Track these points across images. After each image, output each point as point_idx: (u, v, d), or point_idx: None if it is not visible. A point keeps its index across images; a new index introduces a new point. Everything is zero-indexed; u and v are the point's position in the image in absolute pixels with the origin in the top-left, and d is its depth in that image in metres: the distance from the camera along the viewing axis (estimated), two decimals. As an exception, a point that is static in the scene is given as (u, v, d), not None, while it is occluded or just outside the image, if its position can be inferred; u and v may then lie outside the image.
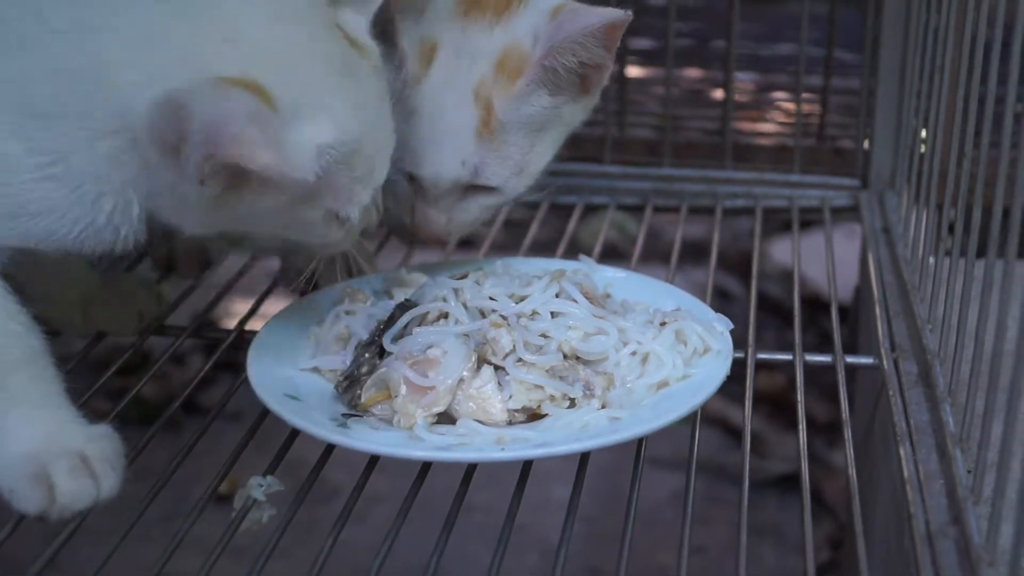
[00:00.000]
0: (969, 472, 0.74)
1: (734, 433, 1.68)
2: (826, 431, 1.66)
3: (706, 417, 1.66)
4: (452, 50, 0.90)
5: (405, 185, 0.94)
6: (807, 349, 0.94)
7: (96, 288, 0.95)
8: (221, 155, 0.64)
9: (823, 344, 0.96)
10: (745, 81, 1.90)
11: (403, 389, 0.77)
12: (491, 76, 0.90)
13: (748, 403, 0.86)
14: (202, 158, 0.65)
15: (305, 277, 0.86)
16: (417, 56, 0.90)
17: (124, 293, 0.97)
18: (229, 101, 0.65)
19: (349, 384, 0.80)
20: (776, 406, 1.74)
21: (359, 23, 0.77)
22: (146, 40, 0.70)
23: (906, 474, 0.77)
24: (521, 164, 0.93)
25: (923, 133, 1.04)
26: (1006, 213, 0.67)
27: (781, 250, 2.17)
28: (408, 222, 0.95)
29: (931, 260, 0.95)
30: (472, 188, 0.93)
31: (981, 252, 0.76)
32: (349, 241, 0.81)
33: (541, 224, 1.25)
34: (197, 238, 0.81)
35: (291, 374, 0.84)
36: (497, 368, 0.79)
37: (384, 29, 0.88)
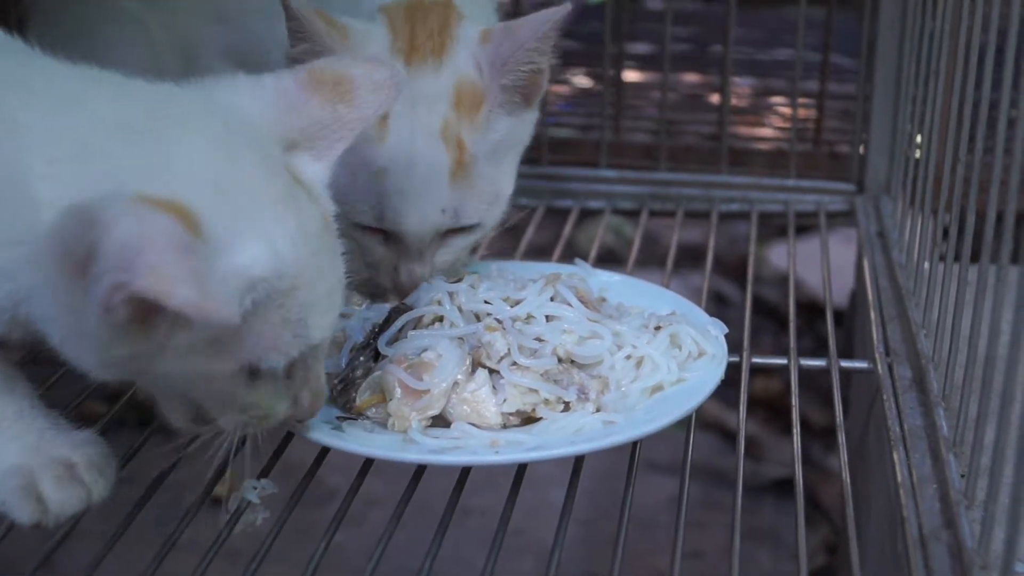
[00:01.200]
0: (963, 476, 0.74)
1: (731, 437, 1.68)
2: (823, 436, 1.66)
3: (703, 422, 1.68)
4: (407, 100, 0.87)
5: (380, 249, 0.92)
6: (804, 354, 0.94)
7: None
8: (134, 285, 0.55)
9: (820, 349, 0.97)
10: (743, 86, 1.91)
11: (397, 392, 0.77)
12: (453, 115, 0.88)
13: (743, 407, 0.86)
14: (112, 286, 0.56)
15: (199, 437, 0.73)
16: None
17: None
18: (148, 223, 0.56)
19: (344, 387, 0.80)
20: (773, 410, 1.74)
21: (316, 171, 0.71)
22: (70, 149, 0.63)
23: (899, 478, 0.77)
24: (494, 194, 0.92)
25: (918, 138, 1.05)
26: (1000, 218, 0.68)
27: (778, 255, 2.17)
28: (389, 283, 0.93)
29: (926, 265, 0.95)
30: (451, 231, 0.92)
31: (976, 257, 0.76)
32: (258, 422, 0.71)
33: (537, 228, 1.25)
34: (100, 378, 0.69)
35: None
36: (492, 371, 0.79)
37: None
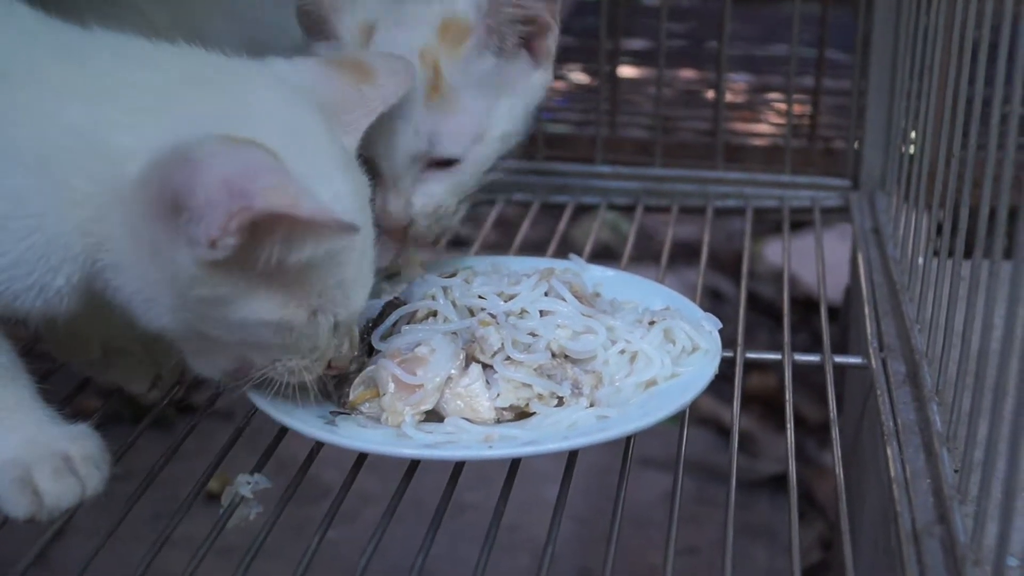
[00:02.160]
0: (956, 471, 0.74)
1: (726, 433, 1.68)
2: (818, 431, 1.66)
3: (698, 417, 1.68)
4: (391, 24, 0.88)
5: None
6: (800, 349, 0.94)
7: (123, 338, 0.89)
8: (256, 207, 0.59)
9: (816, 344, 0.96)
10: (739, 82, 1.91)
11: (391, 387, 0.77)
12: (435, 42, 0.88)
13: (736, 402, 0.86)
14: (226, 215, 0.59)
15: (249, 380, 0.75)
16: (356, 38, 0.88)
17: (148, 350, 0.91)
18: (246, 155, 0.60)
19: (338, 382, 0.80)
20: (768, 406, 1.74)
21: (349, 143, 0.76)
22: (147, 105, 0.66)
23: (893, 473, 0.77)
24: (479, 130, 0.90)
25: (912, 134, 1.05)
26: (993, 214, 0.68)
27: (774, 251, 2.17)
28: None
29: (920, 260, 0.95)
30: (432, 165, 0.90)
31: (969, 252, 0.76)
32: (317, 363, 0.74)
33: (533, 223, 1.25)
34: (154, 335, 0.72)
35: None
36: (485, 366, 0.79)
37: (319, 28, 0.88)
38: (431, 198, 0.91)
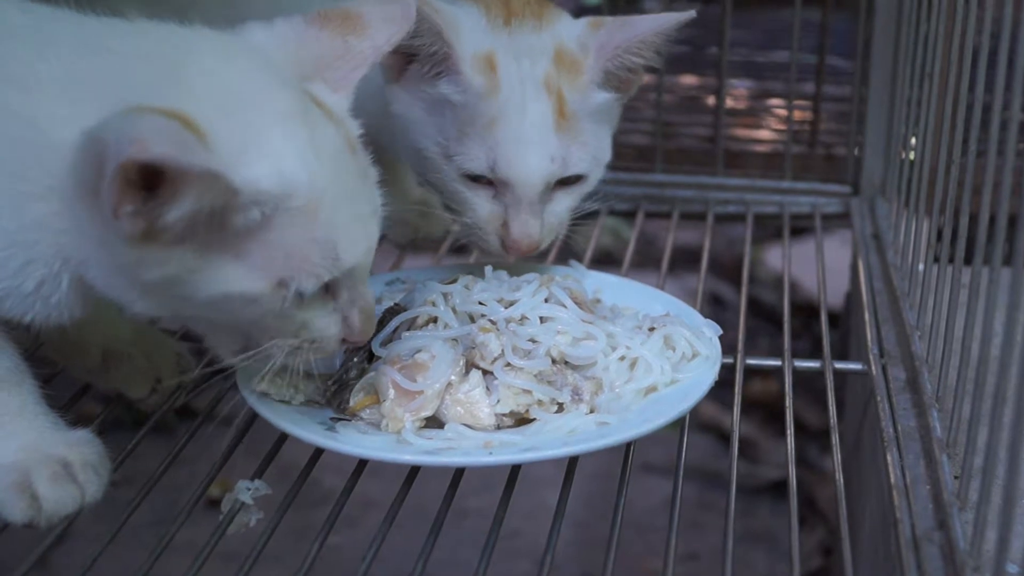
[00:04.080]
0: (956, 478, 0.74)
1: (727, 439, 1.67)
2: (820, 437, 1.66)
3: (700, 423, 1.68)
4: (511, 55, 0.92)
5: (489, 204, 0.94)
6: (802, 355, 0.94)
7: (123, 343, 0.89)
8: (120, 160, 0.57)
9: (817, 350, 0.97)
10: (741, 88, 1.91)
11: (391, 393, 0.77)
12: (554, 70, 0.92)
13: (736, 408, 0.86)
14: (110, 178, 0.58)
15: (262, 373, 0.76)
16: (480, 69, 0.91)
17: (148, 355, 0.90)
18: (147, 120, 0.58)
19: (338, 388, 0.80)
20: (771, 412, 1.74)
21: (335, 100, 0.72)
22: (82, 92, 0.65)
23: (893, 480, 0.77)
24: (596, 153, 0.95)
25: (912, 140, 1.05)
26: (992, 220, 0.68)
27: (776, 257, 2.17)
28: (496, 241, 0.95)
29: (920, 267, 0.95)
30: (558, 184, 0.94)
31: (969, 259, 0.76)
32: (309, 345, 0.72)
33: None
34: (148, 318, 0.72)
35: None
36: (485, 373, 0.79)
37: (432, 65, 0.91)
38: (557, 216, 0.96)
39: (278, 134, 0.65)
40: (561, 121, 0.92)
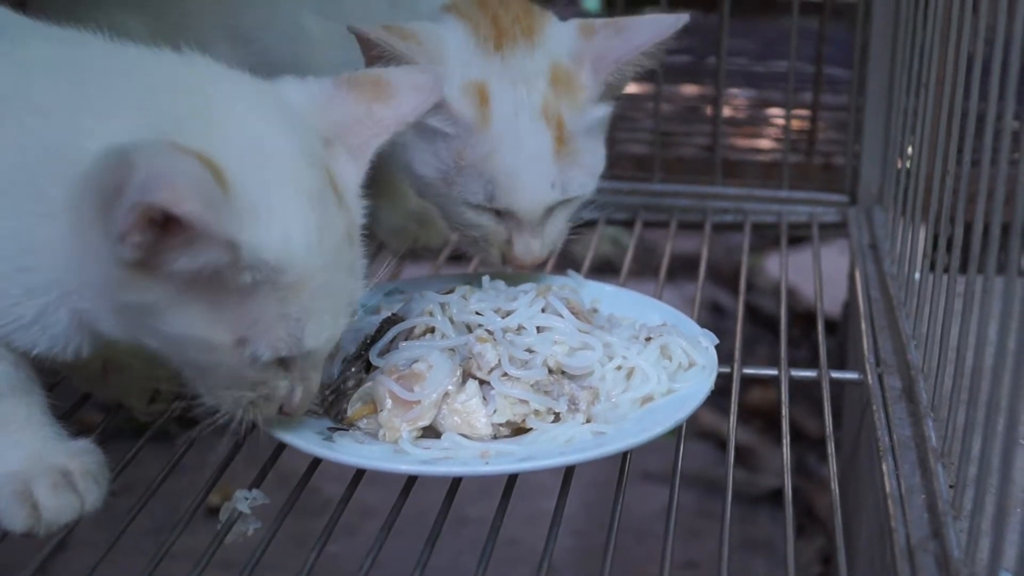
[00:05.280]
0: (951, 487, 0.75)
1: (726, 447, 1.68)
2: (819, 446, 1.66)
3: (699, 431, 1.68)
4: (506, 83, 0.90)
5: (492, 225, 0.94)
6: (801, 363, 0.95)
7: (122, 353, 0.88)
8: (148, 200, 0.58)
9: (816, 359, 0.97)
10: (741, 98, 1.91)
11: (388, 403, 0.78)
12: (551, 93, 0.91)
13: (733, 417, 0.87)
14: (130, 207, 0.59)
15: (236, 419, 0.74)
16: (471, 101, 0.90)
17: (147, 365, 0.89)
18: (177, 162, 0.59)
19: (336, 398, 0.81)
20: (769, 421, 1.74)
21: (351, 172, 0.73)
22: (115, 115, 0.66)
23: (888, 488, 0.77)
24: (592, 168, 0.95)
25: (909, 150, 1.05)
26: (987, 229, 0.68)
27: (775, 266, 2.17)
28: (499, 256, 0.96)
29: (916, 276, 0.95)
30: (555, 206, 0.94)
31: (964, 268, 0.77)
32: (262, 402, 0.72)
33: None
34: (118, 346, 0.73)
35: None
36: (482, 382, 0.79)
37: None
38: (558, 230, 0.96)
39: (294, 208, 0.66)
40: (560, 148, 0.91)
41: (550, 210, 0.94)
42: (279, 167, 0.67)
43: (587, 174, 0.94)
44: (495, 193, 0.91)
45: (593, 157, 0.95)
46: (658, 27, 0.91)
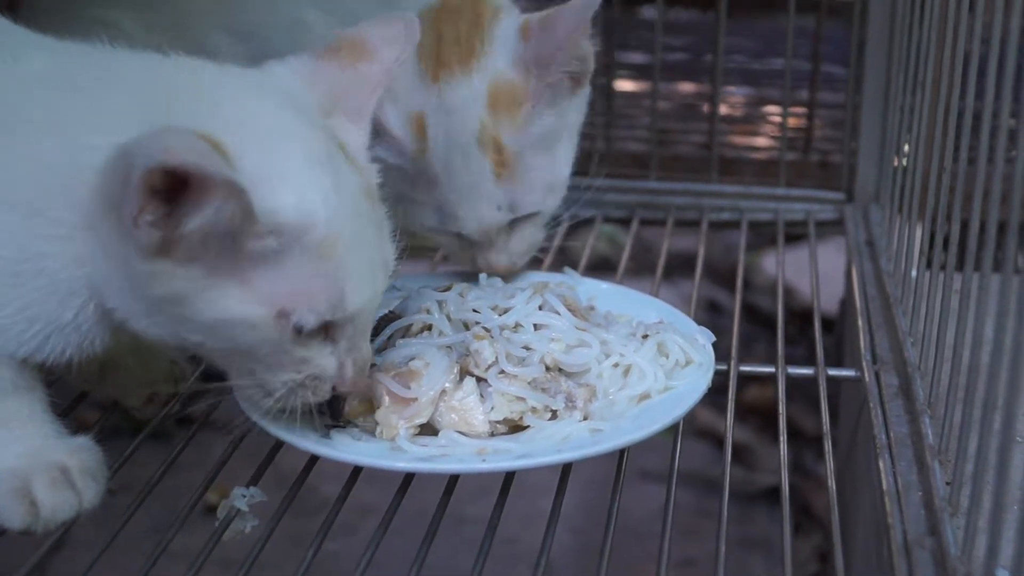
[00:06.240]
0: (948, 484, 0.75)
1: (723, 446, 1.68)
2: (816, 443, 1.65)
3: (697, 430, 1.68)
4: (441, 114, 0.90)
5: (455, 243, 0.96)
6: (799, 361, 0.95)
7: (122, 352, 0.88)
8: (149, 165, 0.59)
9: (813, 357, 0.97)
10: (738, 95, 1.91)
11: (385, 400, 0.78)
12: (490, 119, 0.90)
13: (730, 416, 0.87)
14: (135, 183, 0.60)
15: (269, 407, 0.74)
16: (410, 132, 0.91)
17: (144, 364, 0.91)
18: (176, 134, 0.60)
19: (333, 395, 0.81)
20: (767, 419, 1.74)
21: (355, 135, 0.74)
22: (113, 125, 0.66)
23: (885, 486, 0.77)
24: (549, 182, 0.94)
25: (906, 147, 1.05)
26: (984, 227, 0.68)
27: (773, 263, 2.17)
28: (471, 268, 0.97)
29: (913, 273, 0.96)
30: (515, 221, 0.94)
31: (960, 266, 0.77)
32: (311, 382, 0.72)
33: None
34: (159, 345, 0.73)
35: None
36: (479, 380, 0.79)
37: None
38: (523, 243, 0.96)
39: (303, 170, 0.67)
40: (502, 171, 0.91)
41: (509, 227, 0.94)
42: (282, 140, 0.68)
43: (539, 191, 0.93)
44: (444, 217, 0.93)
45: (547, 170, 0.94)
46: (574, 15, 0.88)
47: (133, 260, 0.64)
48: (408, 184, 0.92)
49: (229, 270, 0.65)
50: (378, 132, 0.88)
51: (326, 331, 0.71)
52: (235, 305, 0.66)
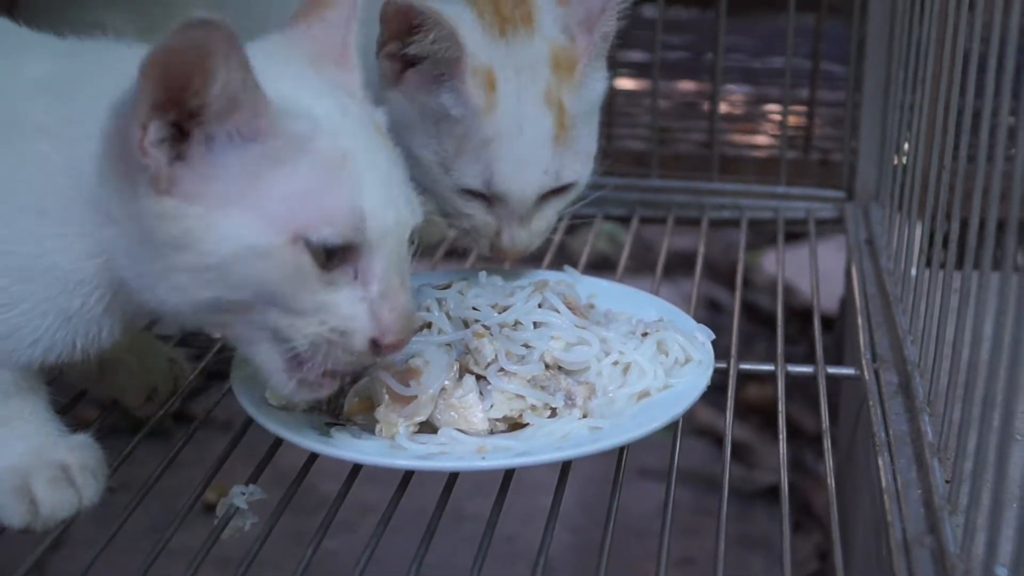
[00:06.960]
0: (947, 482, 0.75)
1: (723, 444, 1.68)
2: (816, 442, 1.65)
3: (696, 428, 1.68)
4: (510, 69, 0.91)
5: (482, 214, 0.95)
6: (799, 359, 0.95)
7: (119, 350, 0.86)
8: (146, 79, 0.61)
9: (814, 355, 0.97)
10: (738, 94, 1.91)
11: (385, 398, 0.78)
12: (554, 79, 0.91)
13: (729, 414, 0.87)
14: (135, 100, 0.61)
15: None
16: (479, 82, 0.90)
17: (144, 363, 0.90)
18: (179, 27, 0.61)
19: (333, 393, 0.81)
20: (767, 417, 1.74)
21: (349, 81, 0.74)
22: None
23: (884, 484, 0.77)
24: (589, 151, 0.95)
25: (906, 146, 1.05)
26: (983, 225, 0.68)
27: (773, 261, 2.17)
28: (487, 248, 0.97)
29: (912, 271, 0.96)
30: (548, 193, 0.94)
31: (960, 264, 0.77)
32: (339, 338, 0.68)
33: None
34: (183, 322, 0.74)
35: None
36: (479, 378, 0.79)
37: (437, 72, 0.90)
38: (546, 222, 0.96)
39: (308, 93, 0.68)
40: (560, 133, 0.92)
41: (540, 201, 0.94)
42: (284, 76, 0.69)
43: (581, 160, 0.94)
44: (492, 179, 0.92)
45: (589, 141, 0.95)
46: None
47: (143, 208, 0.64)
48: (453, 142, 0.91)
49: (236, 200, 0.65)
50: (450, 77, 0.89)
51: (355, 273, 0.68)
52: (246, 233, 0.64)
